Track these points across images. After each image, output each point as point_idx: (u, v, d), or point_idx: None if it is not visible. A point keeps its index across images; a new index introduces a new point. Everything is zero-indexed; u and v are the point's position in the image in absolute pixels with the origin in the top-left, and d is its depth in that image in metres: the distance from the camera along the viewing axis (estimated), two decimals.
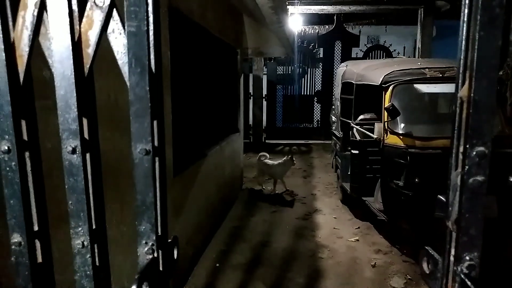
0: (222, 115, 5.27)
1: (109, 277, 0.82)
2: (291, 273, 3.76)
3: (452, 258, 0.63)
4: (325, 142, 9.83)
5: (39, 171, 0.81)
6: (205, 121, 4.36)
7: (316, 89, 12.19)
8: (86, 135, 0.75)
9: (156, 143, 0.72)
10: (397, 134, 4.02)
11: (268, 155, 6.39)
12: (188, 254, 3.65)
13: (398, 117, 3.98)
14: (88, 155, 0.75)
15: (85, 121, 0.74)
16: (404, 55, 11.30)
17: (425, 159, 3.85)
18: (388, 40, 11.96)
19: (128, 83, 0.70)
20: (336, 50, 11.91)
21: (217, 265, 3.88)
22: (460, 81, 0.62)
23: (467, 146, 0.59)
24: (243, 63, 6.61)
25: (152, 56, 0.71)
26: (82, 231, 0.74)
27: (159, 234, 0.75)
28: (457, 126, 0.63)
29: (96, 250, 0.76)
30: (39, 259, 0.80)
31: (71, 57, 0.70)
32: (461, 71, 0.62)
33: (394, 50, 11.91)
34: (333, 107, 6.99)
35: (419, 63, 4.65)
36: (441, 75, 4.14)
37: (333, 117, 6.73)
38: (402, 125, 4.05)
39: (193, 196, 3.77)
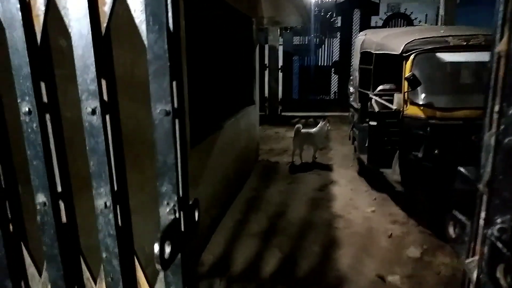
0: (238, 87, 5.22)
1: (132, 238, 0.83)
2: (307, 242, 3.81)
3: (482, 222, 0.61)
4: (342, 114, 9.69)
5: (60, 133, 0.81)
6: (221, 93, 4.33)
7: (334, 60, 11.92)
8: (105, 97, 0.74)
9: (176, 105, 0.71)
10: (418, 105, 3.92)
11: (301, 126, 6.34)
12: (205, 223, 3.72)
13: (418, 88, 3.87)
14: (108, 117, 0.74)
15: (103, 82, 0.73)
16: (426, 24, 10.87)
17: (446, 131, 3.76)
18: (409, 8, 11.49)
19: (146, 42, 0.68)
20: (355, 19, 11.53)
21: (234, 233, 3.96)
22: (498, 35, 0.58)
23: (504, 104, 0.55)
24: (258, 33, 6.47)
25: (170, 14, 0.68)
26: (104, 192, 0.75)
27: (181, 195, 0.74)
28: (492, 84, 0.59)
29: (118, 211, 0.76)
30: (64, 220, 0.81)
31: (88, 15, 0.68)
32: (499, 24, 0.58)
33: (416, 19, 11.45)
34: (351, 78, 6.84)
35: (442, 31, 4.46)
36: (465, 43, 3.97)
37: (351, 88, 6.59)
38: (423, 95, 3.94)
39: (210, 167, 3.80)
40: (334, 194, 5.14)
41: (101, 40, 0.72)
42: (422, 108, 3.88)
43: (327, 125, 6.36)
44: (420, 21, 11.31)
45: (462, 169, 3.08)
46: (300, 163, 6.38)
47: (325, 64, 11.95)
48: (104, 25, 0.72)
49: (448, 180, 3.56)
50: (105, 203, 0.75)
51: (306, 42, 11.84)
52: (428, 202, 4.34)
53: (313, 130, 6.34)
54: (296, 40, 11.79)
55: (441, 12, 8.75)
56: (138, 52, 2.19)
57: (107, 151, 0.74)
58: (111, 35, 0.75)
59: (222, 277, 3.19)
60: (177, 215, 0.74)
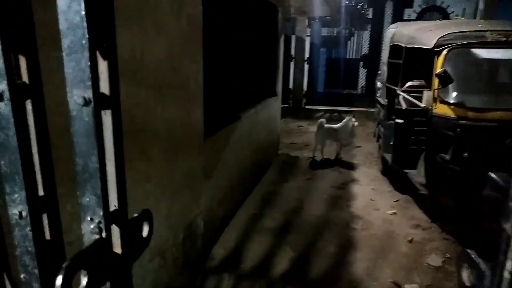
0: (259, 78, 5.08)
1: (63, 254, 0.69)
2: (322, 242, 3.67)
3: (510, 266, 0.47)
4: (369, 109, 9.37)
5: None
6: (240, 82, 4.21)
7: (363, 53, 11.53)
8: (24, 78, 0.59)
9: (104, 89, 0.56)
10: (448, 104, 3.67)
11: (325, 120, 6.13)
12: (219, 216, 3.65)
13: (450, 85, 3.62)
14: (28, 102, 0.60)
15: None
16: (463, 18, 10.31)
17: (478, 133, 3.51)
18: (446, 1, 10.92)
19: (57, 5, 0.54)
20: (387, 11, 11.06)
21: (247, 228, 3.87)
22: None
23: None
24: (284, 22, 6.28)
25: None
26: (19, 198, 0.60)
27: (110, 209, 0.60)
28: None
29: (44, 221, 0.62)
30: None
31: None
32: None
33: (452, 12, 10.87)
34: (379, 72, 6.56)
35: (479, 25, 4.16)
36: (505, 39, 3.67)
37: (378, 83, 6.32)
38: (454, 93, 3.69)
39: (225, 159, 3.70)
40: (355, 193, 4.96)
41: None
42: (452, 107, 3.63)
43: (353, 120, 6.12)
44: (457, 15, 10.73)
45: (493, 175, 2.84)
46: (321, 159, 6.20)
47: (353, 57, 11.58)
48: None
49: (477, 186, 3.33)
50: (20, 213, 0.60)
51: (335, 34, 11.49)
52: (454, 207, 4.10)
53: (337, 125, 6.12)
54: (325, 31, 11.46)
55: (481, 6, 8.25)
56: (148, 34, 2.11)
57: (21, 146, 0.58)
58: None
59: (231, 273, 3.11)
60: (103, 234, 0.59)
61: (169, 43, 2.33)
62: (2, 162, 0.60)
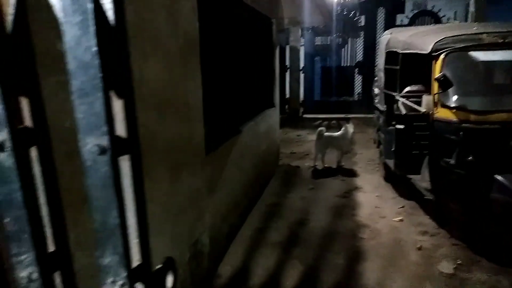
0: (257, 90, 5.06)
1: None
2: (330, 253, 3.60)
3: None
4: (367, 116, 9.36)
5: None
6: (239, 96, 4.18)
7: (357, 60, 11.58)
8: (27, 122, 0.52)
9: (122, 134, 0.50)
10: (449, 108, 3.65)
11: (325, 129, 6.09)
12: (224, 232, 3.58)
13: (450, 89, 3.60)
14: (32, 151, 0.53)
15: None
16: (456, 21, 10.41)
17: (481, 135, 3.48)
18: (436, 5, 11.03)
19: (64, 41, 0.47)
20: (379, 17, 11.15)
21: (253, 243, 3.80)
22: None
23: None
24: (278, 34, 6.30)
25: None
26: (27, 260, 0.53)
27: (138, 263, 0.54)
28: None
29: (58, 280, 0.55)
30: None
31: None
32: None
33: (444, 16, 10.98)
34: (375, 78, 6.56)
35: (475, 28, 4.16)
36: (501, 41, 3.67)
37: (375, 89, 6.32)
38: (455, 97, 3.67)
39: (228, 173, 3.65)
40: (359, 201, 4.90)
41: (4, 40, 0.51)
42: (454, 111, 3.61)
43: (352, 127, 6.10)
44: (448, 19, 10.84)
45: (499, 177, 2.80)
46: (322, 167, 6.15)
47: (348, 65, 11.64)
48: (9, 17, 0.51)
49: (483, 189, 3.28)
50: (29, 276, 0.52)
51: (328, 42, 11.56)
52: (461, 212, 4.05)
53: (337, 133, 6.09)
54: (318, 40, 11.53)
55: (471, 8, 8.32)
56: (146, 53, 2.08)
57: (27, 200, 0.51)
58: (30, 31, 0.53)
59: None
60: None
61: (167, 61, 2.30)
62: (7, 220, 0.53)
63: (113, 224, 0.50)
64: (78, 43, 0.46)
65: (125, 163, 0.51)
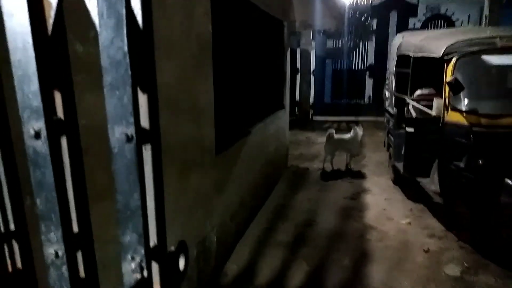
0: (267, 91, 5.10)
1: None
2: (336, 254, 3.62)
3: None
4: (377, 119, 9.33)
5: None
6: (249, 97, 4.23)
7: (368, 63, 11.56)
8: (59, 114, 0.58)
9: (145, 125, 0.55)
10: (460, 111, 3.64)
11: (334, 131, 6.12)
12: (231, 231, 3.62)
13: (461, 93, 3.60)
14: (62, 139, 0.59)
15: (57, 95, 0.56)
16: (469, 25, 10.31)
17: (492, 140, 3.47)
18: (450, 9, 10.94)
19: (100, 42, 0.54)
20: (391, 21, 11.11)
21: (260, 242, 3.83)
22: None
23: None
24: (290, 36, 6.33)
25: (136, 2, 0.52)
26: (55, 237, 0.59)
27: (151, 246, 0.59)
28: None
29: (79, 260, 0.61)
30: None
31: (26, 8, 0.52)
32: None
33: (457, 20, 10.88)
34: (386, 82, 6.55)
35: (488, 32, 4.15)
36: None
37: (386, 92, 6.31)
38: (466, 101, 3.66)
39: (236, 174, 3.70)
40: (367, 203, 4.90)
41: (46, 41, 0.56)
42: (465, 114, 3.60)
43: (361, 130, 6.11)
44: (462, 22, 10.75)
45: (510, 182, 2.79)
46: (331, 169, 6.16)
47: (359, 68, 11.62)
48: (50, 20, 0.56)
49: (492, 193, 3.27)
50: (56, 252, 0.58)
51: (340, 46, 11.55)
52: (469, 215, 4.03)
53: (347, 136, 6.09)
54: (330, 43, 11.53)
55: (486, 12, 8.25)
56: (161, 56, 2.13)
57: (58, 184, 0.57)
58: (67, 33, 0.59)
59: None
60: (145, 273, 0.57)
61: (180, 63, 2.35)
62: (39, 200, 0.59)
63: (134, 205, 0.55)
64: (112, 43, 0.52)
65: (147, 152, 0.57)
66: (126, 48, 0.52)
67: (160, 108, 1.84)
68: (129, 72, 0.53)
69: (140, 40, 0.54)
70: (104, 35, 0.52)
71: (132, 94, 0.54)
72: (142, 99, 0.56)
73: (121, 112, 0.54)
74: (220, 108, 3.15)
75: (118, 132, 0.55)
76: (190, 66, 2.52)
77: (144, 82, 0.56)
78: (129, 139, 0.54)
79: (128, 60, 0.52)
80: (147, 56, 0.57)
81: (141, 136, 0.56)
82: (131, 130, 0.54)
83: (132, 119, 0.54)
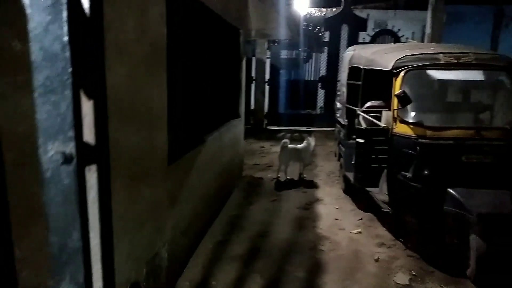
0: (223, 100, 5.03)
1: None
2: (291, 266, 3.59)
3: None
4: (328, 129, 9.57)
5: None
6: (204, 105, 4.13)
7: (321, 74, 11.86)
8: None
9: (90, 140, 0.42)
10: (407, 123, 3.79)
11: (288, 141, 6.15)
12: (183, 245, 3.47)
13: (408, 105, 3.75)
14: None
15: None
16: (413, 41, 10.93)
17: (436, 150, 3.63)
18: (396, 25, 11.56)
19: (29, 28, 0.39)
20: (343, 34, 11.52)
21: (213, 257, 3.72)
22: None
23: None
24: (246, 45, 6.32)
25: None
26: None
27: None
28: None
29: None
30: None
31: None
32: None
33: (403, 36, 11.52)
34: (338, 93, 6.73)
35: (432, 48, 4.38)
36: (456, 61, 3.88)
37: (338, 103, 6.47)
38: (413, 113, 3.82)
39: (190, 184, 3.57)
40: (320, 213, 4.95)
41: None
42: (411, 126, 3.75)
43: (314, 140, 6.22)
44: (407, 38, 11.38)
45: (452, 191, 2.91)
46: (285, 179, 6.19)
47: (312, 79, 11.88)
48: None
49: (437, 202, 3.41)
50: None
51: (294, 56, 11.76)
52: (416, 224, 4.20)
53: (301, 146, 6.17)
54: (284, 53, 11.70)
55: (428, 30, 8.78)
56: (110, 56, 1.99)
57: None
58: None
59: None
60: None
61: (132, 67, 2.22)
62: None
63: (73, 247, 0.42)
64: (46, 31, 0.39)
65: (91, 175, 0.44)
66: (66, 38, 0.39)
67: (108, 111, 1.70)
68: (69, 70, 0.40)
69: (85, 27, 0.41)
70: (36, 19, 0.38)
71: (72, 99, 0.41)
72: (87, 106, 0.43)
73: (57, 123, 0.41)
74: (174, 114, 3.02)
75: (52, 150, 0.41)
76: (143, 70, 2.38)
77: (90, 84, 0.43)
78: (67, 159, 0.41)
79: (68, 53, 0.39)
80: (94, 49, 0.43)
81: (84, 155, 0.43)
82: (70, 148, 0.41)
83: (71, 133, 0.41)
